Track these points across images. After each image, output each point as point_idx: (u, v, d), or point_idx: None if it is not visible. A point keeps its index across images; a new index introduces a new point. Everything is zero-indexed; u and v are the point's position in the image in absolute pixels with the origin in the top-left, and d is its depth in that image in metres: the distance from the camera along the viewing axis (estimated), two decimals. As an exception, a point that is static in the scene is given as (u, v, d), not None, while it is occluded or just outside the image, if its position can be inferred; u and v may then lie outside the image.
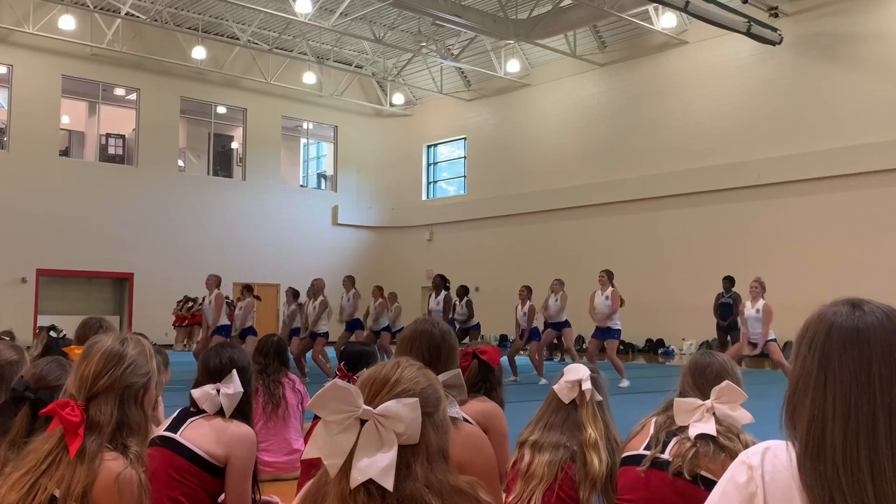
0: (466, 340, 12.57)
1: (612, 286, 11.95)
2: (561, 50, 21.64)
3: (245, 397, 3.14)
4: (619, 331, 12.05)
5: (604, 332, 11.88)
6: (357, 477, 1.43)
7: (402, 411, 1.47)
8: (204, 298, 13.51)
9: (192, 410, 3.11)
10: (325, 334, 12.87)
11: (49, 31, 20.90)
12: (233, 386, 3.09)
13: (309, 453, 1.49)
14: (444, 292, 13.39)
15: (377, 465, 1.43)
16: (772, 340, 10.47)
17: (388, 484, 1.43)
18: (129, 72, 22.96)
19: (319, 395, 1.47)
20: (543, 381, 11.84)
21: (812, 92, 17.97)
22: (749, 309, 10.63)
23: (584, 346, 12.92)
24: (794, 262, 17.64)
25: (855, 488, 1.27)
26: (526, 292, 12.62)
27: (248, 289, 13.49)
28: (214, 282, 12.75)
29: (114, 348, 2.16)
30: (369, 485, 1.44)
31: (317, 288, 12.91)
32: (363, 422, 1.46)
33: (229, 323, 12.84)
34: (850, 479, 1.28)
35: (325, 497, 1.50)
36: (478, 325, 13.56)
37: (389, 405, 1.47)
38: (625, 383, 11.16)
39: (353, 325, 13.77)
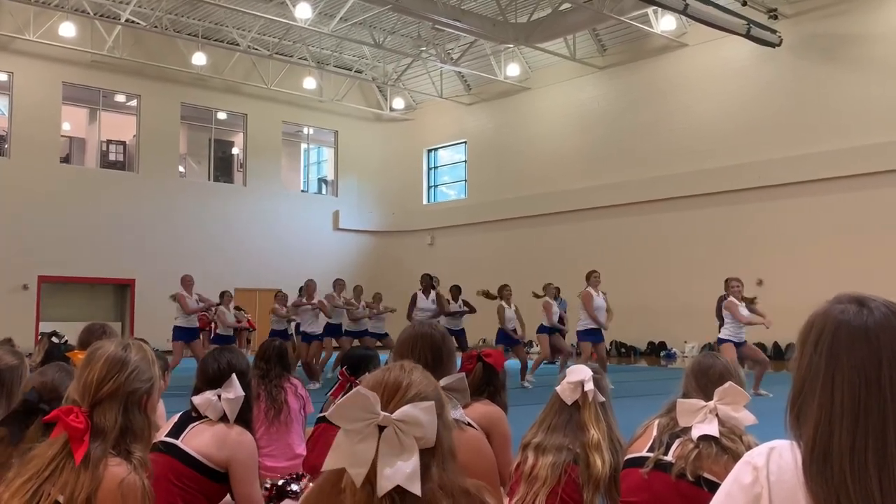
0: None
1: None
2: (561, 53, 21.64)
3: (246, 402, 3.12)
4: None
5: (597, 334, 11.81)
6: (385, 485, 1.41)
7: (420, 416, 1.45)
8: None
9: (194, 415, 3.10)
10: (320, 336, 12.89)
11: (49, 38, 20.93)
12: (233, 391, 3.08)
13: (330, 465, 1.46)
14: (433, 291, 13.22)
15: (403, 471, 1.41)
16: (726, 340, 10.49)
17: (417, 489, 1.41)
18: (129, 78, 22.98)
19: (339, 405, 1.44)
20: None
21: (812, 93, 17.95)
22: (743, 309, 10.61)
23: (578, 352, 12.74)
24: (796, 263, 17.62)
25: (862, 494, 1.24)
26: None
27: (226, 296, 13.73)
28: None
29: (117, 354, 2.15)
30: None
31: (310, 290, 13.01)
32: (381, 428, 1.44)
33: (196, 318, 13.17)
34: (858, 484, 1.24)
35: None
36: (462, 330, 12.84)
37: (407, 410, 1.45)
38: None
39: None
